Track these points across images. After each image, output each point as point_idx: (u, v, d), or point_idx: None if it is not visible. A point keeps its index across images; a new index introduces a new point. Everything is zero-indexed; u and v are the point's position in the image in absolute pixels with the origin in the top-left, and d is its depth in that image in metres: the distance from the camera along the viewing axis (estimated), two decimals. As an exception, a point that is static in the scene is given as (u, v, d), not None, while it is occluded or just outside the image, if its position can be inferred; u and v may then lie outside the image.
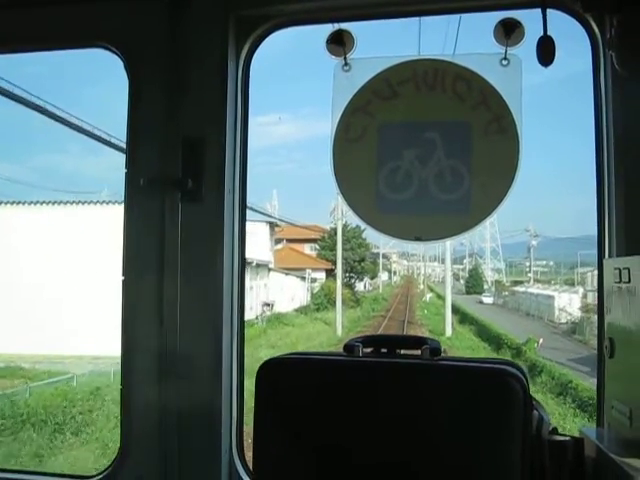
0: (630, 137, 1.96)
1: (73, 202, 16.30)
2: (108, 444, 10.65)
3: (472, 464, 1.53)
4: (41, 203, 16.18)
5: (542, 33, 1.87)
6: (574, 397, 13.50)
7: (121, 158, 2.28)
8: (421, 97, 2.14)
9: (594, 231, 2.06)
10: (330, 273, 26.48)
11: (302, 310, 23.43)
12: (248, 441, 1.87)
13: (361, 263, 27.56)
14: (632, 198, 1.96)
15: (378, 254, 30.54)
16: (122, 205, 2.24)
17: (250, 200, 2.34)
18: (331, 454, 1.60)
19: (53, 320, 14.48)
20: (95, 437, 11.57)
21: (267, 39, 2.28)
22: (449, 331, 19.98)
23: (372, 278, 31.03)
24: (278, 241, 24.16)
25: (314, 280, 25.22)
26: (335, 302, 23.78)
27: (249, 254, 2.48)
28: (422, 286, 32.62)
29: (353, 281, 27.96)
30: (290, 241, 25.56)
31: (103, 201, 15.95)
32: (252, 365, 1.82)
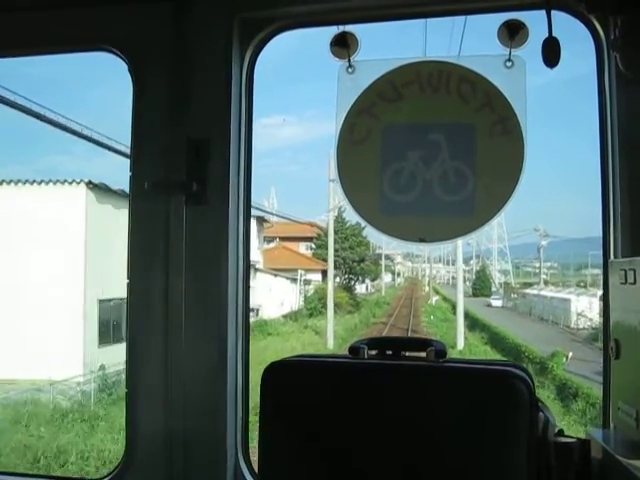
0: (635, 138, 1.96)
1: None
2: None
3: (478, 466, 1.52)
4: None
5: (546, 34, 1.87)
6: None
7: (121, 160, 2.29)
8: (425, 99, 2.14)
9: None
10: (326, 274, 23.94)
11: (292, 316, 21.20)
12: (253, 444, 1.87)
13: (361, 264, 25.73)
14: (637, 198, 1.96)
15: (381, 255, 28.72)
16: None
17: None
18: (337, 457, 1.60)
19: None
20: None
21: (271, 41, 2.28)
22: (461, 343, 17.38)
23: (373, 280, 29.34)
24: (270, 239, 22.48)
25: (308, 282, 23.29)
26: (335, 305, 21.35)
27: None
28: (427, 288, 30.99)
29: (353, 283, 26.13)
30: (284, 239, 23.82)
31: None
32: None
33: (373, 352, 1.69)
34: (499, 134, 2.08)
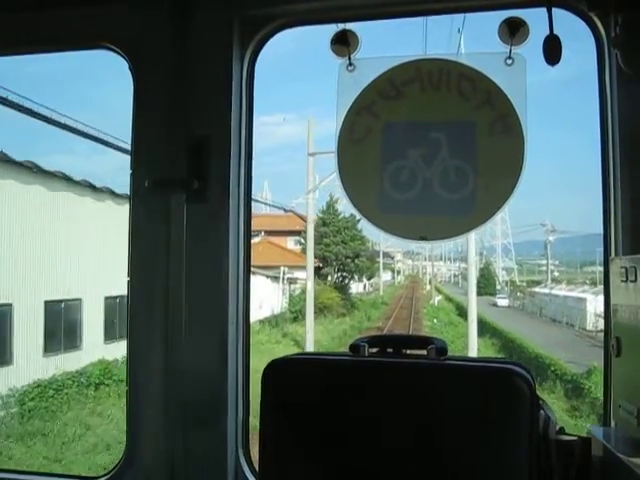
0: (635, 135, 1.96)
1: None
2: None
3: (479, 464, 1.52)
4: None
5: (547, 32, 1.87)
6: None
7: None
8: (426, 97, 2.14)
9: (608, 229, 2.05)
10: (317, 271, 21.75)
11: (272, 321, 19.13)
12: (254, 442, 1.87)
13: (355, 260, 23.46)
14: (638, 196, 1.96)
15: (379, 251, 27.48)
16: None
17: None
18: (337, 454, 1.60)
19: None
20: None
21: (272, 39, 2.28)
22: (473, 354, 14.27)
23: (369, 278, 27.18)
24: (254, 233, 18.50)
25: (294, 281, 21.37)
26: (322, 307, 19.51)
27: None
28: (429, 287, 30.00)
29: (347, 282, 23.94)
30: (270, 233, 22.05)
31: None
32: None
33: (374, 350, 1.69)
34: (499, 132, 2.08)
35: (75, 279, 15.52)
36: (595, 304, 17.90)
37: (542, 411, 1.56)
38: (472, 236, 14.87)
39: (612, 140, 2.01)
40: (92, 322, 15.81)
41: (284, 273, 20.37)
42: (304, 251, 21.38)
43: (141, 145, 2.25)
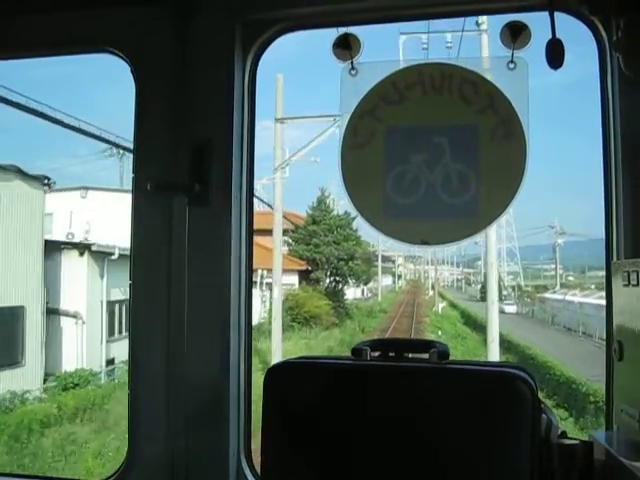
0: (637, 138, 1.96)
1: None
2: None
3: (481, 467, 1.52)
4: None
5: (550, 36, 1.88)
6: None
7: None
8: (428, 101, 2.14)
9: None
10: (306, 276, 20.04)
11: None
12: (255, 444, 1.86)
13: (349, 262, 21.14)
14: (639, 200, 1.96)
15: (377, 254, 25.45)
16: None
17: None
18: (339, 457, 1.60)
19: None
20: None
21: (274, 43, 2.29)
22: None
23: (366, 283, 24.71)
24: None
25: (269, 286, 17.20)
26: (309, 317, 16.85)
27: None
28: (431, 292, 28.71)
29: (340, 287, 21.56)
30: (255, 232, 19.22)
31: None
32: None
33: (376, 354, 1.69)
34: (502, 136, 2.08)
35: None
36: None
37: (544, 415, 1.56)
38: (493, 235, 12.90)
39: (614, 143, 2.01)
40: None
41: (262, 277, 17.21)
42: (291, 253, 19.55)
43: (143, 148, 2.26)
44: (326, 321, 18.76)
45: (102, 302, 16.31)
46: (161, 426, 2.15)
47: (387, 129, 2.16)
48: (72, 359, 15.50)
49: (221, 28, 2.19)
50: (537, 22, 2.01)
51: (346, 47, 2.18)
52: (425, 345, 1.67)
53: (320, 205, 21.28)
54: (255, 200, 2.34)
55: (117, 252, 15.75)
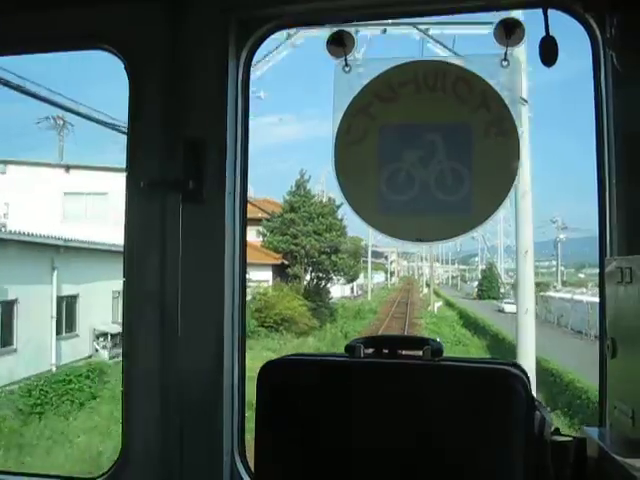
0: (631, 135, 1.97)
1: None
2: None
3: (474, 464, 1.53)
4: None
5: (543, 33, 1.88)
6: None
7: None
8: (422, 98, 2.14)
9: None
10: (281, 271, 17.64)
11: None
12: (249, 442, 1.86)
13: (332, 256, 18.28)
14: (633, 197, 1.96)
15: (369, 249, 23.37)
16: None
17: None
18: (333, 455, 1.60)
19: None
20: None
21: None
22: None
23: (352, 279, 21.35)
24: None
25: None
26: (280, 321, 14.64)
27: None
28: (426, 290, 27.17)
29: (323, 284, 19.00)
30: None
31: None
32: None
33: (369, 351, 1.69)
34: (495, 134, 2.08)
35: None
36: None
37: (537, 412, 1.56)
38: (527, 229, 9.86)
39: (607, 140, 2.01)
40: None
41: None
42: (265, 245, 17.17)
43: (137, 146, 2.25)
44: (302, 325, 16.30)
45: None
46: (155, 423, 2.15)
47: (381, 126, 2.16)
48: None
49: (215, 25, 2.19)
50: (529, 19, 2.02)
51: (340, 44, 2.17)
52: (419, 342, 1.67)
53: (299, 189, 18.52)
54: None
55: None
